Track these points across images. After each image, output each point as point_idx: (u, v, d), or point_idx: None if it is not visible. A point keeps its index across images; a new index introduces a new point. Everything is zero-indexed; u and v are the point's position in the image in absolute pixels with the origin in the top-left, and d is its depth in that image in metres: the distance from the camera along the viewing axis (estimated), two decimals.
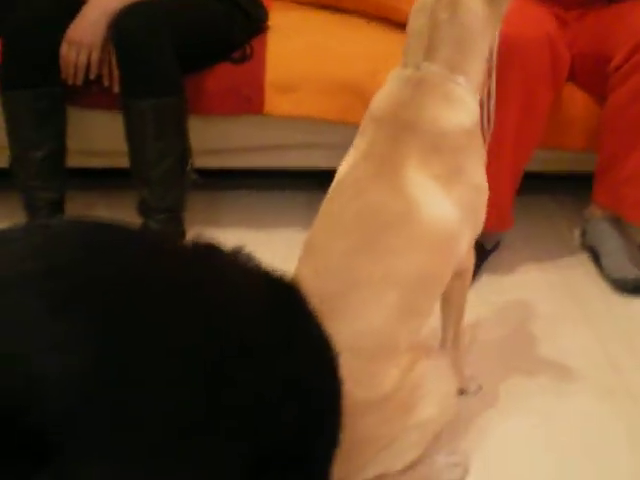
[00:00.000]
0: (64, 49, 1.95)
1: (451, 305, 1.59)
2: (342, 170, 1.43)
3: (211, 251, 1.01)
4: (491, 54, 1.42)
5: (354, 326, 1.31)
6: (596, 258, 2.20)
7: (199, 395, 0.86)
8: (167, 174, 2.01)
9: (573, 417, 1.68)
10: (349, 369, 1.13)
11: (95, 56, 1.95)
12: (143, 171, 2.02)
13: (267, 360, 0.95)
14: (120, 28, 1.92)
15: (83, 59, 1.95)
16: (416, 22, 1.42)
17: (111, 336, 0.82)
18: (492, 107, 1.94)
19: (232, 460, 0.92)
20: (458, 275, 1.49)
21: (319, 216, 1.41)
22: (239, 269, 1.02)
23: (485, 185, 1.45)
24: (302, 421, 0.99)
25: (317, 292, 1.14)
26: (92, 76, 1.98)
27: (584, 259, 2.24)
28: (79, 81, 1.98)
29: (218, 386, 0.88)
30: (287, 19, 2.46)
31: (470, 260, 1.52)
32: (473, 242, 1.48)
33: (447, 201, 1.36)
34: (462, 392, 1.69)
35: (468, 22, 1.38)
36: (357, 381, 1.24)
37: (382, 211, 1.34)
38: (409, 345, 1.36)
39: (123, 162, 2.06)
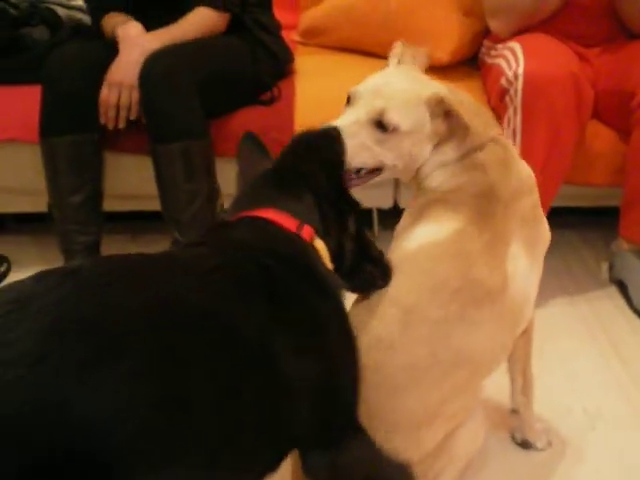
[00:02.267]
0: (105, 92, 1.97)
1: (517, 359, 1.56)
2: (444, 231, 1.32)
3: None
4: None
5: (409, 402, 1.27)
6: (624, 290, 2.22)
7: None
8: (197, 215, 2.04)
9: (605, 451, 1.69)
10: (390, 441, 1.20)
11: (136, 96, 1.97)
12: (174, 213, 2.05)
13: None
14: (143, 74, 1.95)
15: (125, 100, 1.97)
16: None
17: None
18: (518, 145, 1.98)
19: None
20: (523, 332, 1.47)
21: (407, 270, 1.30)
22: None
23: (548, 236, 1.43)
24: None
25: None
26: (133, 116, 2.00)
27: (613, 292, 2.26)
28: (122, 123, 2.00)
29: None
30: (314, 62, 2.52)
31: (533, 314, 1.48)
32: None
33: (532, 267, 1.35)
34: (529, 446, 1.68)
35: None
36: (401, 448, 1.26)
37: (481, 286, 1.27)
38: (458, 409, 1.34)
39: (154, 205, 2.10)
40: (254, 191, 1.23)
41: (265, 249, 1.09)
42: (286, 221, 1.14)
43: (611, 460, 1.67)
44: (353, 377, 1.14)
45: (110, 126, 2.01)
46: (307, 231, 1.15)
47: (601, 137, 2.20)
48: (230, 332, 0.96)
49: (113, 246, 2.36)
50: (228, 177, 2.20)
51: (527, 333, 1.52)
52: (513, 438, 1.71)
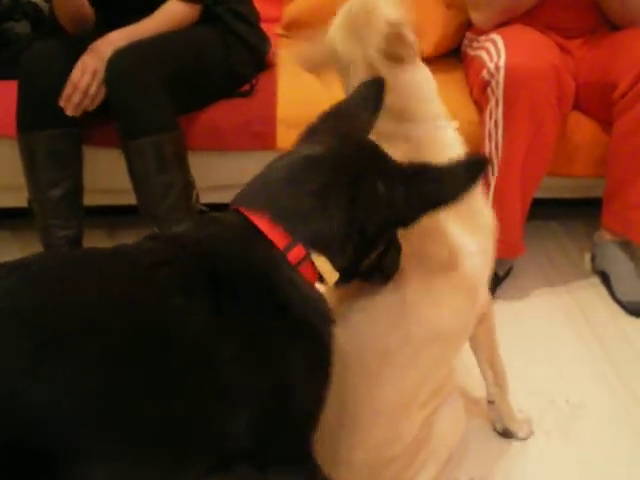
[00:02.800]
0: (77, 74, 1.92)
1: (482, 350, 1.58)
2: None
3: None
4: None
5: (388, 388, 1.29)
6: (607, 281, 2.23)
7: None
8: (173, 208, 2.03)
9: (588, 443, 1.71)
10: (373, 433, 1.21)
11: (103, 91, 1.94)
12: (149, 207, 2.04)
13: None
14: (109, 71, 1.93)
15: (94, 90, 1.93)
16: None
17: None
18: (500, 137, 1.98)
19: None
20: (480, 320, 1.48)
21: None
22: None
23: (493, 224, 1.44)
24: None
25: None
26: (91, 108, 1.96)
27: (595, 282, 2.26)
28: (79, 112, 1.96)
29: None
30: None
31: (489, 302, 1.51)
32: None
33: (479, 253, 1.36)
34: (511, 435, 1.70)
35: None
36: (382, 442, 1.28)
37: (435, 259, 1.32)
38: (431, 394, 1.36)
39: (132, 199, 2.08)
40: (278, 179, 1.11)
41: (226, 256, 1.03)
42: (275, 236, 1.05)
43: (594, 451, 1.68)
44: (309, 404, 1.08)
45: (69, 111, 1.96)
46: (295, 253, 1.05)
47: (583, 128, 2.20)
48: (169, 330, 0.95)
49: (92, 241, 2.34)
50: (208, 170, 2.21)
51: (487, 321, 1.53)
52: (494, 428, 1.72)
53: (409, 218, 1.12)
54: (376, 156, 1.14)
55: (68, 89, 1.94)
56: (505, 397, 1.66)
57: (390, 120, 1.32)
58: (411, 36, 1.32)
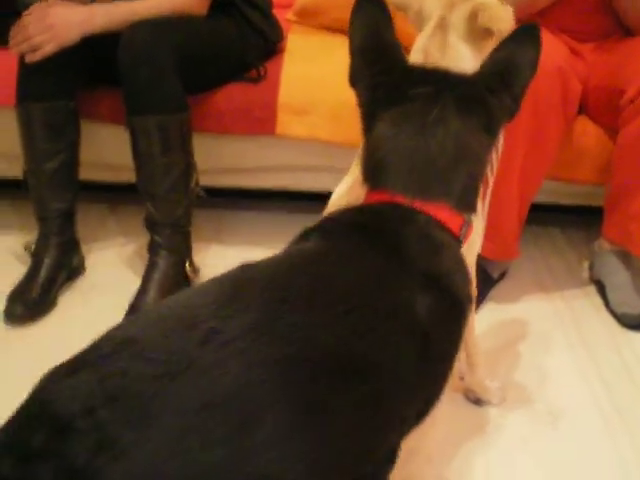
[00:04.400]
0: (31, 19, 1.91)
1: None
2: (337, 194, 1.44)
3: None
4: None
5: None
6: (602, 291, 2.19)
7: None
8: (172, 189, 2.03)
9: (568, 445, 1.68)
10: None
11: (48, 50, 1.92)
12: (149, 186, 2.03)
13: None
14: (124, 42, 1.92)
15: (38, 43, 1.91)
16: (414, 60, 1.44)
17: None
18: (499, 137, 1.95)
19: None
20: None
21: None
22: None
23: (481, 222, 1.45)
24: None
25: None
26: (28, 60, 1.94)
27: (591, 292, 2.23)
28: (16, 53, 1.95)
29: None
30: (305, 42, 2.49)
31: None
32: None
33: None
34: (483, 403, 1.77)
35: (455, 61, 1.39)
36: None
37: None
38: None
39: (132, 176, 2.08)
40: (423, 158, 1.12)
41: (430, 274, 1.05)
42: (448, 218, 1.09)
43: (568, 463, 1.64)
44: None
45: (14, 49, 1.94)
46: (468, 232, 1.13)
47: (589, 134, 2.16)
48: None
49: (91, 216, 2.36)
50: (207, 153, 2.20)
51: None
52: (467, 397, 1.79)
53: (517, 110, 1.19)
54: (467, 85, 1.15)
55: (16, 28, 1.94)
56: (476, 371, 1.73)
57: None
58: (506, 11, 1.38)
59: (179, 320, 0.88)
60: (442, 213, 1.08)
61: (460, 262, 1.11)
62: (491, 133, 1.16)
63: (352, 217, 1.12)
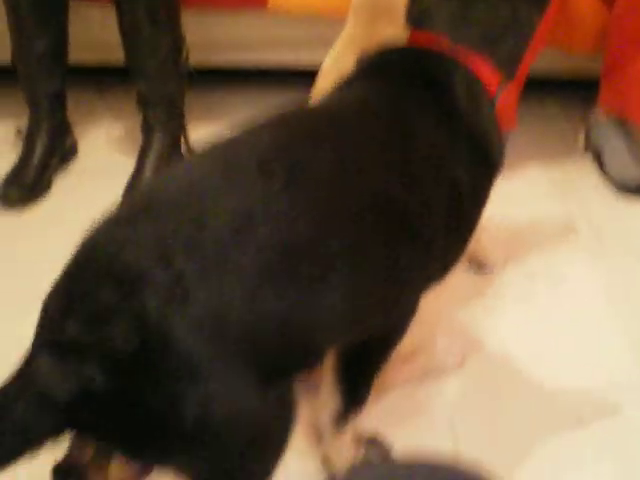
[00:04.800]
0: None
1: None
2: (328, 63, 1.41)
3: None
4: None
5: None
6: (599, 159, 2.19)
7: None
8: (163, 64, 2.00)
9: (560, 309, 1.71)
10: None
11: None
12: (138, 61, 2.00)
13: None
14: None
15: None
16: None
17: None
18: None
19: None
20: None
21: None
22: None
23: None
24: None
25: None
26: None
27: (587, 161, 2.22)
28: None
29: None
30: None
31: None
32: None
33: None
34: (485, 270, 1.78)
35: None
36: None
37: None
38: None
39: (119, 58, 2.04)
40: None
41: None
42: (488, 75, 1.09)
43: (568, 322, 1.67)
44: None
45: None
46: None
47: (584, 1, 2.11)
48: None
49: (80, 101, 2.31)
50: (197, 29, 2.14)
51: None
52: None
53: None
54: None
55: None
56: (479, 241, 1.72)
57: None
58: None
59: (246, 168, 0.87)
60: (483, 67, 1.07)
61: (496, 124, 1.12)
62: (540, 5, 1.16)
63: (397, 63, 1.11)
